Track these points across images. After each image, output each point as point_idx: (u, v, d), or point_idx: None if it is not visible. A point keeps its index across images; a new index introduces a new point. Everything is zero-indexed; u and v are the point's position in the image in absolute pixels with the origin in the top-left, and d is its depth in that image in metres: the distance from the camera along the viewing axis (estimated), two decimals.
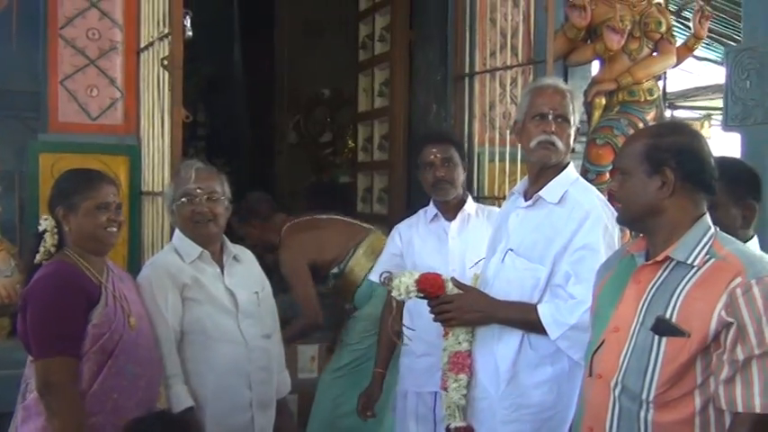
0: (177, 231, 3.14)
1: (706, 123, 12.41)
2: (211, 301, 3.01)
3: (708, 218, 2.14)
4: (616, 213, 2.68)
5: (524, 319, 2.71)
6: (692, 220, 2.12)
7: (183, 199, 3.04)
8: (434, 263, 3.35)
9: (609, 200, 3.16)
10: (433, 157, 3.47)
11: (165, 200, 3.22)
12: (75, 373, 2.56)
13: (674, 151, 2.10)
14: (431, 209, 3.59)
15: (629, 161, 2.16)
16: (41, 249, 2.71)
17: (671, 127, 2.27)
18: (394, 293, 2.77)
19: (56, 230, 2.71)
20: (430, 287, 2.75)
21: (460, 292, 2.80)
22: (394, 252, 3.65)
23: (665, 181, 2.10)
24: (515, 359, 2.74)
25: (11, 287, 3.94)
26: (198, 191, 3.04)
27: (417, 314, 3.12)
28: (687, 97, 11.52)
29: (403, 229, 3.67)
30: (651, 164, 2.11)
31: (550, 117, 2.74)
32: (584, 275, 2.59)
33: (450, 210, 3.53)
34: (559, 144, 2.74)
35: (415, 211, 3.76)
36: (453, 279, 2.83)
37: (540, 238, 2.75)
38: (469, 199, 3.60)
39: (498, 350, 2.77)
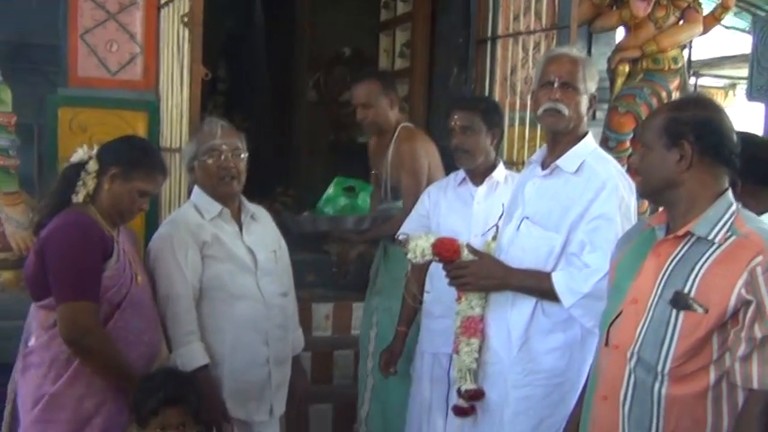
0: (196, 189, 3.13)
1: (731, 93, 12.30)
2: (231, 259, 3.02)
3: (730, 194, 2.12)
4: (633, 184, 2.68)
5: (538, 286, 2.73)
6: (713, 195, 2.10)
7: (208, 155, 3.03)
8: (457, 226, 3.37)
9: (628, 171, 3.17)
10: (453, 123, 3.46)
11: (183, 156, 3.20)
12: (98, 316, 2.59)
13: (693, 125, 2.09)
14: (460, 173, 3.58)
15: (650, 134, 2.16)
16: (81, 189, 2.69)
17: (692, 101, 2.23)
18: (410, 256, 2.79)
19: (95, 175, 2.70)
20: (445, 251, 2.76)
21: (475, 258, 2.80)
22: (421, 213, 3.64)
23: (682, 154, 2.09)
24: (528, 325, 2.77)
25: (30, 240, 3.94)
26: (224, 147, 3.05)
27: (438, 276, 3.13)
28: (712, 66, 11.35)
29: (432, 191, 3.67)
30: (670, 137, 2.10)
31: (556, 84, 2.76)
32: (599, 244, 2.61)
33: (478, 175, 3.51)
34: (565, 111, 2.75)
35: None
36: (469, 245, 2.83)
37: (555, 207, 2.76)
38: (500, 165, 3.57)
39: (511, 316, 2.79)
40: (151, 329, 2.78)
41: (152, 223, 4.34)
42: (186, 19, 3.87)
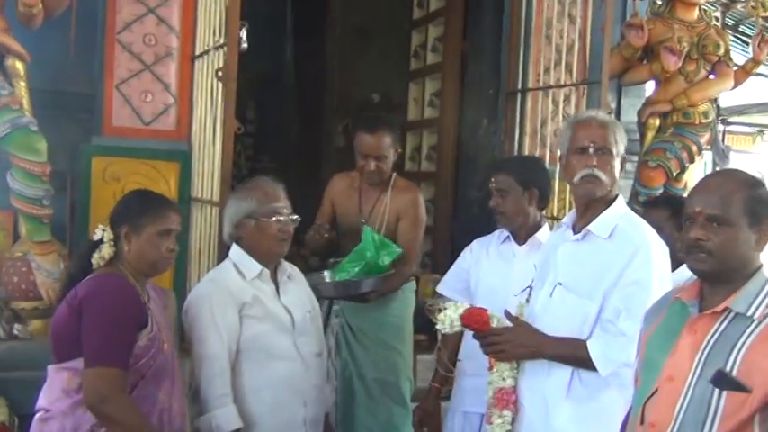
0: (236, 247, 3.10)
1: (758, 138, 12.23)
2: (270, 319, 3.02)
3: (765, 269, 2.09)
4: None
5: (573, 354, 2.68)
6: (753, 269, 2.08)
7: (271, 216, 3.03)
8: (497, 284, 3.36)
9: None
10: (491, 185, 3.47)
11: (232, 211, 3.12)
12: (125, 386, 2.57)
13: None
14: (504, 231, 3.57)
15: (732, 211, 2.06)
16: (95, 255, 2.70)
17: (754, 178, 2.16)
18: (439, 326, 2.76)
19: (113, 243, 2.71)
20: (474, 323, 2.74)
21: (509, 324, 2.78)
22: (463, 266, 3.64)
23: (762, 235, 2.07)
24: (567, 393, 2.72)
25: (60, 290, 3.97)
26: (285, 210, 3.08)
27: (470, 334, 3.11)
28: (740, 113, 11.31)
29: (475, 246, 3.65)
30: (752, 217, 2.06)
31: (591, 151, 2.73)
32: (635, 311, 2.55)
33: (522, 235, 3.49)
34: (603, 177, 2.72)
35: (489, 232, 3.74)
36: (506, 311, 2.81)
37: (589, 273, 2.72)
38: (545, 226, 3.55)
39: (547, 385, 2.75)
40: (175, 405, 2.76)
41: (181, 273, 4.38)
42: (221, 73, 3.90)
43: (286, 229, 3.07)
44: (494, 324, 2.76)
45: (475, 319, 2.73)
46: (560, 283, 2.78)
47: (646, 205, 3.40)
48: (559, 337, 2.73)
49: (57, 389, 2.63)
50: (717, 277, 2.11)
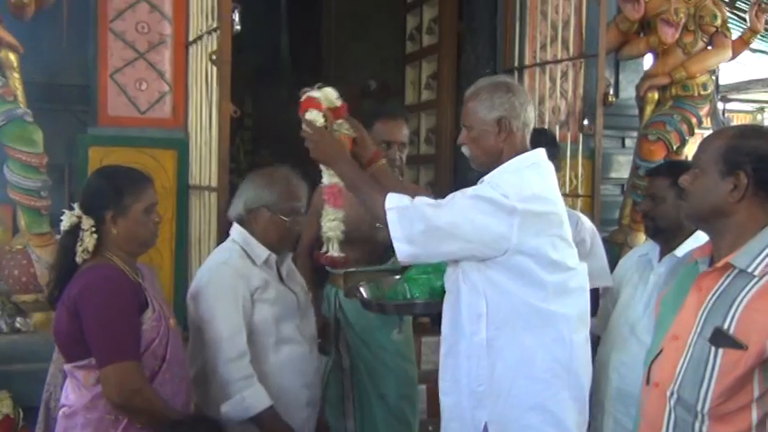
0: (240, 229, 3.03)
1: (758, 116, 12.20)
2: (279, 303, 2.99)
3: None
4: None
5: (366, 191, 2.68)
6: (759, 228, 2.05)
7: (289, 215, 2.99)
8: None
9: (642, 217, 3.13)
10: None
11: (248, 196, 3.03)
12: (143, 375, 2.52)
13: (754, 156, 2.03)
14: None
15: (706, 158, 2.10)
16: (79, 250, 2.58)
17: (756, 131, 2.15)
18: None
19: (93, 230, 2.58)
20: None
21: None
22: None
23: (737, 184, 2.04)
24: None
25: (49, 292, 3.95)
26: (302, 210, 3.06)
27: None
28: (739, 90, 11.28)
29: None
30: (727, 164, 2.05)
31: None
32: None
33: None
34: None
35: None
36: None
37: None
38: None
39: None
40: (185, 374, 2.73)
41: (181, 260, 4.37)
42: (215, 57, 3.88)
43: (298, 229, 3.06)
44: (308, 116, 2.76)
45: (305, 103, 2.79)
46: None
47: (648, 174, 3.34)
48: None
49: (76, 386, 2.58)
50: (696, 223, 2.21)
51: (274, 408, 2.82)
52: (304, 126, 2.76)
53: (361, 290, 3.32)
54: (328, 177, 2.82)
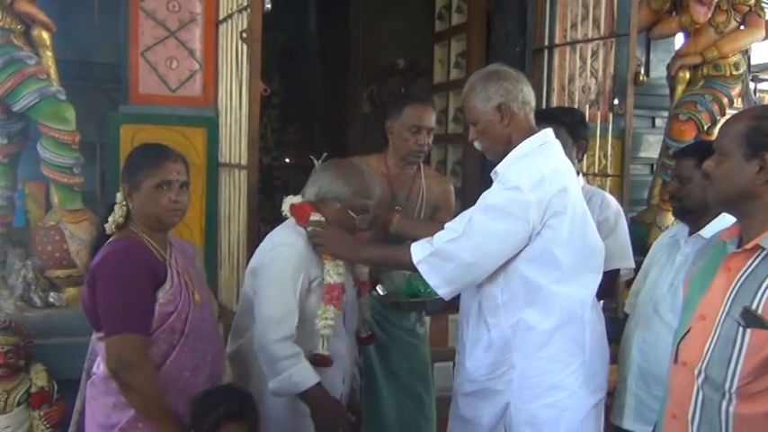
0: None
1: None
2: None
3: None
4: None
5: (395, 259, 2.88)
6: None
7: (359, 211, 2.98)
8: None
9: (669, 198, 3.12)
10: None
11: (320, 185, 3.00)
12: (147, 350, 2.55)
13: None
14: None
15: (729, 141, 2.08)
16: (109, 221, 2.68)
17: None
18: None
19: (124, 204, 2.68)
20: (297, 213, 2.96)
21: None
22: None
23: (762, 166, 2.03)
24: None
25: (87, 262, 4.00)
26: (371, 209, 3.05)
27: None
28: None
29: None
30: (751, 147, 2.04)
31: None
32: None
33: None
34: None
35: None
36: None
37: None
38: (580, 177, 3.42)
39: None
40: (214, 348, 2.76)
41: (210, 237, 4.42)
42: (245, 35, 3.89)
43: (362, 225, 3.04)
44: (314, 219, 2.91)
45: (299, 212, 2.94)
46: None
47: (675, 155, 3.33)
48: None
49: (101, 356, 2.64)
50: (724, 207, 2.21)
51: (322, 385, 2.83)
52: (310, 230, 2.90)
53: (378, 288, 3.45)
54: (331, 277, 2.87)
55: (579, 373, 2.72)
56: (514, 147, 2.74)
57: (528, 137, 2.75)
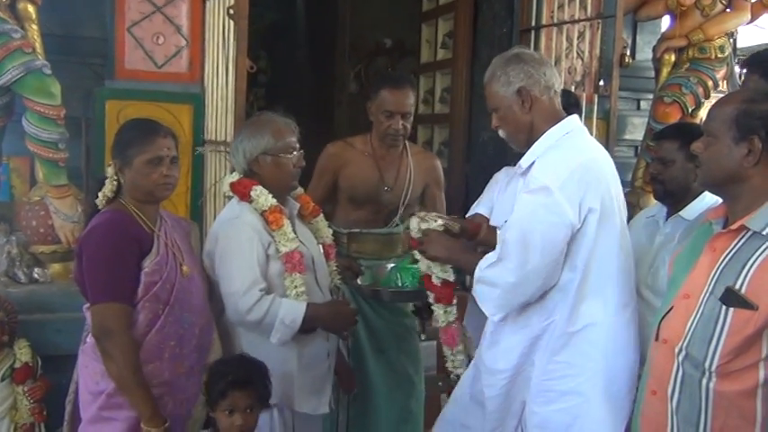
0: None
1: None
2: None
3: None
4: None
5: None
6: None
7: (287, 152, 3.00)
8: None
9: (651, 180, 3.10)
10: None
11: (245, 147, 3.01)
12: (129, 319, 2.59)
13: (766, 120, 2.04)
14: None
15: (718, 124, 2.10)
16: (99, 195, 2.74)
17: (766, 94, 2.15)
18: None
19: (115, 179, 2.73)
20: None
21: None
22: (494, 190, 3.43)
23: (751, 149, 2.05)
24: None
25: (78, 232, 3.99)
26: (297, 145, 3.04)
27: None
28: None
29: (503, 173, 3.46)
30: (740, 130, 2.05)
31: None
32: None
33: None
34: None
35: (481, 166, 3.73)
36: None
37: None
38: None
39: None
40: (200, 321, 2.79)
41: (196, 214, 4.40)
42: (232, 11, 3.88)
43: (300, 164, 3.04)
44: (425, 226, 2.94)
45: (239, 188, 2.97)
46: None
47: (656, 138, 3.32)
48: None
49: (88, 325, 2.71)
50: (711, 189, 2.23)
51: (310, 304, 2.88)
52: (417, 238, 2.94)
53: (358, 280, 3.53)
54: (284, 245, 2.90)
55: (596, 381, 2.60)
56: (538, 135, 2.62)
57: (552, 124, 2.62)
